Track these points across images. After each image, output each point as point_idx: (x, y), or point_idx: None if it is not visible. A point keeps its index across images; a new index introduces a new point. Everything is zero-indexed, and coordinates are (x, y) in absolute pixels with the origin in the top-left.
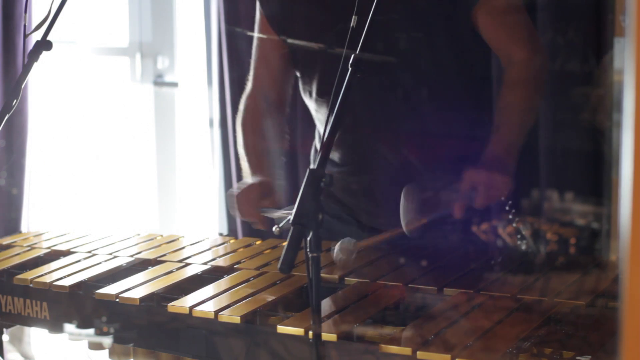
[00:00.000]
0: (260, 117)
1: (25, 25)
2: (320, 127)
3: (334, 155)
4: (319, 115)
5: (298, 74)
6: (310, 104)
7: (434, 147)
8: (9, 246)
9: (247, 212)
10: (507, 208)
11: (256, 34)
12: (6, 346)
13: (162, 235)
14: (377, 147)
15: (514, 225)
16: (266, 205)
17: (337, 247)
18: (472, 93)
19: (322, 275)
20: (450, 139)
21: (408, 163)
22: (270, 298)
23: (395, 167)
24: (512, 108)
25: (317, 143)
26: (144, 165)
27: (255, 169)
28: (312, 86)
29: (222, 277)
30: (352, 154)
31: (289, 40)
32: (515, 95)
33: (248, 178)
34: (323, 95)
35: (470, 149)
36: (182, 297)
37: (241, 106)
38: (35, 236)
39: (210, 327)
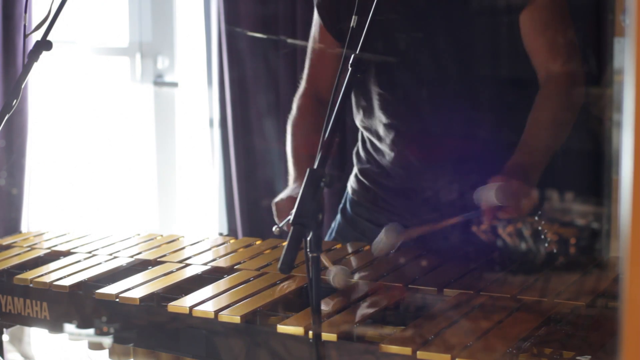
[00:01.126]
0: (313, 118)
1: (25, 25)
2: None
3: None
4: (367, 123)
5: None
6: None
7: (432, 146)
8: (9, 246)
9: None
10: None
11: (313, 36)
12: (6, 346)
13: (162, 235)
14: (430, 149)
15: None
16: None
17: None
18: (471, 93)
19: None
20: (448, 139)
21: (408, 163)
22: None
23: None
24: (543, 122)
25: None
26: (144, 165)
27: (300, 175)
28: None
29: (223, 277)
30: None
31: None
32: (548, 109)
33: (291, 183)
34: (372, 103)
35: (470, 149)
36: (182, 297)
37: (294, 105)
38: (35, 236)
39: (210, 327)
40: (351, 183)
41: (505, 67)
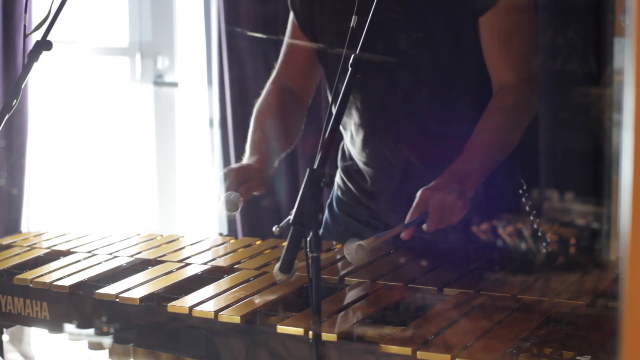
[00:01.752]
0: (276, 106)
1: (25, 25)
2: (348, 140)
3: (359, 164)
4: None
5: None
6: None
7: (432, 147)
8: (9, 246)
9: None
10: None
11: (288, 31)
12: (6, 346)
13: (162, 235)
14: (400, 150)
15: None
16: (247, 188)
17: (346, 249)
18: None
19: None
20: (449, 139)
21: (407, 163)
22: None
23: (394, 167)
24: (487, 133)
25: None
26: (144, 165)
27: (251, 151)
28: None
29: (222, 277)
30: (374, 159)
31: (317, 44)
32: (494, 121)
33: (244, 160)
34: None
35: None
36: (182, 297)
37: (264, 90)
38: (35, 236)
39: (210, 327)
40: (337, 179)
41: (468, 65)
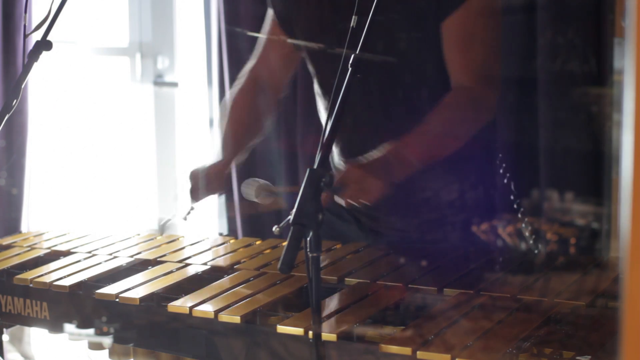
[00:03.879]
0: (251, 94)
1: (25, 25)
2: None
3: (335, 155)
4: (321, 113)
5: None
6: (318, 102)
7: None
8: (9, 246)
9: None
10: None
11: (266, 24)
12: (6, 346)
13: (162, 235)
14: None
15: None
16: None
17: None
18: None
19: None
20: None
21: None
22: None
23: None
24: (431, 127)
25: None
26: (144, 165)
27: (221, 147)
28: (315, 85)
29: (222, 277)
30: (353, 154)
31: (297, 40)
32: (441, 117)
33: (214, 159)
34: (324, 95)
35: (469, 149)
36: (182, 297)
37: (237, 81)
38: (35, 236)
39: (210, 327)
40: None
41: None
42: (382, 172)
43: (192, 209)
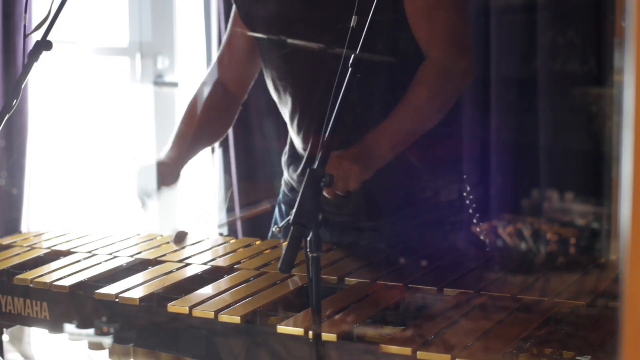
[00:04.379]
0: (209, 97)
1: (25, 25)
2: (289, 127)
3: (300, 150)
4: (282, 111)
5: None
6: (275, 99)
7: (431, 146)
8: (9, 246)
9: (140, 190)
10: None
11: (230, 23)
12: (6, 346)
13: (162, 235)
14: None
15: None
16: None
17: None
18: (471, 93)
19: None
20: (448, 139)
21: (407, 163)
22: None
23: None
24: (405, 105)
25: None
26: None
27: (171, 145)
28: (273, 80)
29: (222, 277)
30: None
31: (257, 34)
32: (414, 94)
33: (164, 151)
34: (279, 91)
35: (469, 149)
36: (182, 297)
37: (201, 82)
38: (35, 236)
39: (210, 327)
40: (284, 176)
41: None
42: (360, 159)
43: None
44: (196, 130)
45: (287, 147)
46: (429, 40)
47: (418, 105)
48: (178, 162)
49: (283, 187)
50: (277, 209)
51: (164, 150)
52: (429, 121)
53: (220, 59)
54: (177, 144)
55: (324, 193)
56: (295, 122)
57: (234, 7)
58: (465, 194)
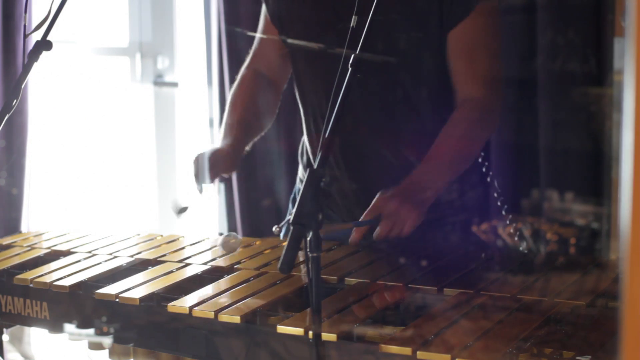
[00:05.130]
0: (249, 89)
1: (25, 25)
2: (305, 128)
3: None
4: (305, 114)
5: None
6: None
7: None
8: (9, 246)
9: (198, 176)
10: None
11: (260, 25)
12: (6, 346)
13: (162, 235)
14: (376, 148)
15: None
16: (215, 171)
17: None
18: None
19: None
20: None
21: (408, 165)
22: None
23: (394, 169)
24: (448, 145)
25: (306, 142)
26: (144, 165)
27: (224, 135)
28: (301, 84)
29: (222, 277)
30: (348, 155)
31: (289, 39)
32: (456, 133)
33: (219, 141)
34: (310, 94)
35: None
36: (182, 297)
37: (238, 76)
38: (35, 236)
39: (210, 327)
40: (299, 174)
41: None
42: (416, 202)
43: (186, 208)
44: (245, 118)
45: (303, 138)
46: (470, 80)
47: (460, 146)
48: (236, 149)
49: (298, 183)
50: (290, 205)
51: (220, 140)
52: (470, 160)
53: (255, 52)
54: (231, 132)
55: (375, 236)
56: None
57: (263, 4)
58: (496, 194)
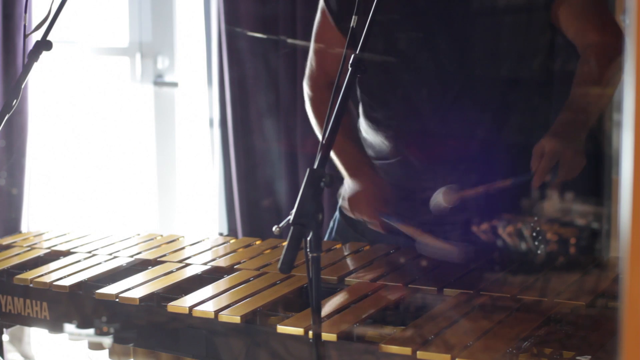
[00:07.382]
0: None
1: (25, 25)
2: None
3: (383, 151)
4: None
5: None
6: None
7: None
8: (9, 246)
9: (369, 213)
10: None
11: (318, 24)
12: (6, 346)
13: (162, 235)
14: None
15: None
16: (386, 210)
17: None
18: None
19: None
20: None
21: (407, 163)
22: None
23: (393, 167)
24: (585, 81)
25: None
26: (144, 165)
27: (353, 169)
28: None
29: (222, 277)
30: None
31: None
32: (589, 69)
33: (351, 178)
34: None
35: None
36: (182, 297)
37: (306, 88)
38: (35, 236)
39: (210, 327)
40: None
41: (505, 67)
42: (573, 141)
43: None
44: (349, 144)
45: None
46: (586, 32)
47: (599, 81)
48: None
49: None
50: (338, 214)
51: (345, 172)
52: (606, 102)
53: (317, 59)
54: (353, 162)
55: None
56: (388, 136)
57: (322, 4)
58: (495, 194)
